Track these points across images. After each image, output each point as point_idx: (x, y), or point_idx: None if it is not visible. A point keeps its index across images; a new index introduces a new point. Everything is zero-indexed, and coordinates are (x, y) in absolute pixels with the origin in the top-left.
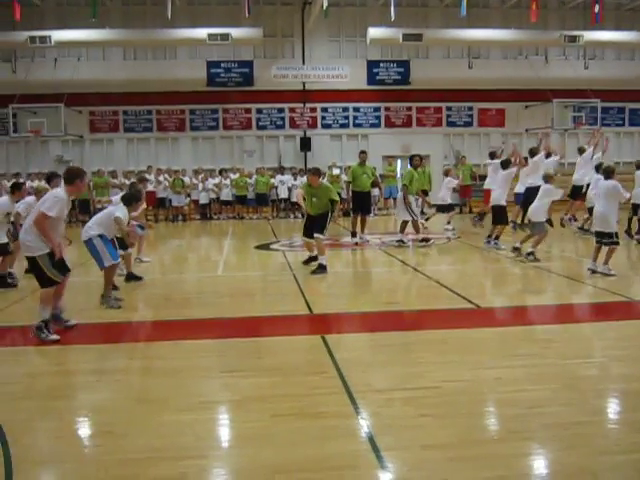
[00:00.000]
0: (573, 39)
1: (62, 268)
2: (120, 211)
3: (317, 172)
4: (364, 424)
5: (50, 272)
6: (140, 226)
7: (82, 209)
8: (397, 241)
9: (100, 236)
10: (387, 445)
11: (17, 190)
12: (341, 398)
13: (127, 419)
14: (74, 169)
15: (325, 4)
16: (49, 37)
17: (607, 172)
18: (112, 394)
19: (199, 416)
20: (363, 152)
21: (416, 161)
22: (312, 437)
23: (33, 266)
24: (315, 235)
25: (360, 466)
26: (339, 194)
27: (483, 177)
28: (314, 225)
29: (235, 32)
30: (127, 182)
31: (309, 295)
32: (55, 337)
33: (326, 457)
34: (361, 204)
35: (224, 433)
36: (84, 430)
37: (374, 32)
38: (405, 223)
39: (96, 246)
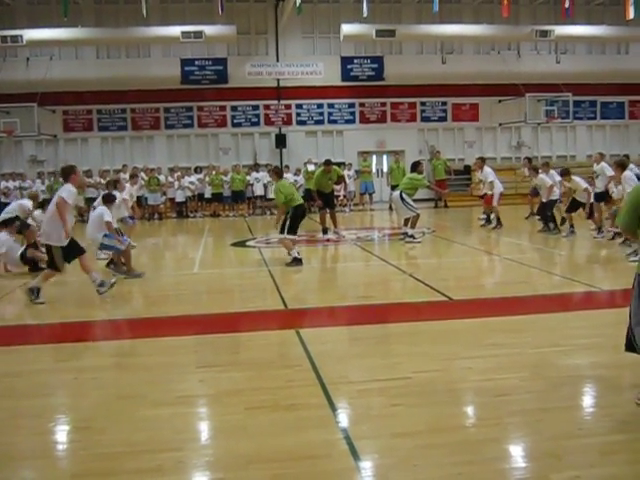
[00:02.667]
0: (544, 34)
1: (75, 249)
2: (106, 214)
3: (276, 170)
4: (337, 415)
5: (59, 262)
6: (131, 217)
7: None
8: (405, 235)
9: (105, 235)
10: (359, 434)
11: None
12: (315, 390)
13: (105, 415)
14: (66, 167)
15: (298, 1)
16: (20, 36)
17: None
18: (90, 391)
19: (176, 410)
20: (328, 163)
21: (420, 167)
22: (286, 428)
23: (48, 251)
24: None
25: (333, 455)
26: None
27: (458, 172)
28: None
29: (209, 30)
30: (102, 181)
31: (284, 291)
32: (42, 300)
33: (300, 447)
34: (325, 201)
35: (200, 426)
36: (62, 427)
37: (347, 28)
38: (408, 220)
39: (108, 244)
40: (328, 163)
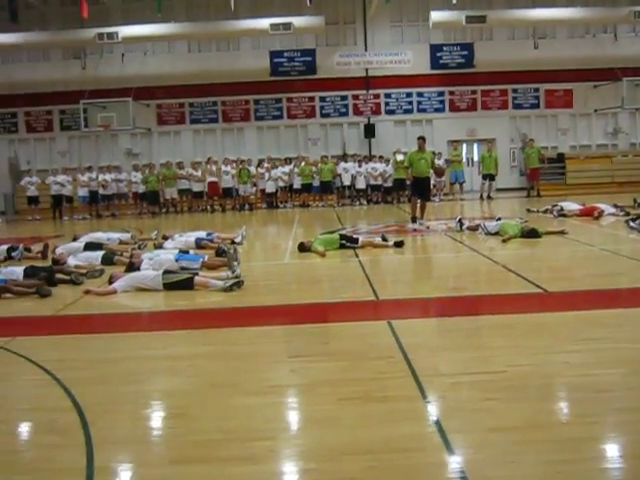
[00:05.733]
0: None
1: None
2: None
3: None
4: (430, 407)
5: None
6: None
7: (152, 200)
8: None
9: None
10: (453, 428)
11: None
12: (407, 382)
13: (199, 402)
14: None
15: None
16: (116, 33)
17: None
18: (184, 379)
19: (268, 400)
20: (420, 138)
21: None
22: (379, 420)
23: None
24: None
25: (427, 448)
26: (405, 180)
27: (551, 160)
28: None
29: (297, 21)
30: (194, 173)
31: (375, 281)
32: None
33: (393, 439)
34: (420, 190)
35: (292, 416)
36: (158, 413)
37: (436, 16)
38: None
39: (183, 262)
40: (421, 138)
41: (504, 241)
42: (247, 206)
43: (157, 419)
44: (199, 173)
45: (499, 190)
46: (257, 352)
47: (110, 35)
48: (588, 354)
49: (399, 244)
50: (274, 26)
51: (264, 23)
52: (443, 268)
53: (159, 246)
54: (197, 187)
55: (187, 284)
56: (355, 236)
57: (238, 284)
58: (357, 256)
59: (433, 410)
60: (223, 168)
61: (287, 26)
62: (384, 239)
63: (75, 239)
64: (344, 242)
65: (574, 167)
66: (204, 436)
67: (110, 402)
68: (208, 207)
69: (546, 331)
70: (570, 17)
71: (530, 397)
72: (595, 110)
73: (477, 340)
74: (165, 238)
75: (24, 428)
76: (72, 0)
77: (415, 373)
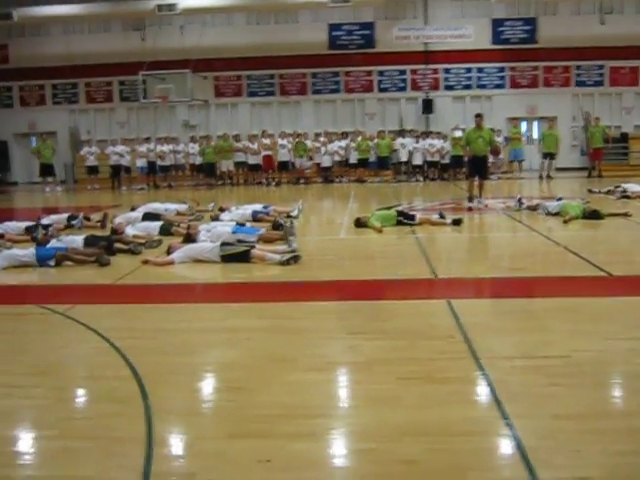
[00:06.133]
0: None
1: None
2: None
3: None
4: (493, 391)
5: None
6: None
7: (208, 172)
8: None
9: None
10: (516, 413)
11: None
12: (468, 363)
13: (257, 376)
14: None
15: None
16: (175, 5)
17: None
18: (242, 352)
19: (326, 376)
20: (478, 115)
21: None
22: (439, 401)
23: None
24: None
25: (489, 432)
26: (462, 157)
27: (615, 139)
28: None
29: None
30: (250, 146)
31: (432, 259)
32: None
33: (454, 422)
34: (477, 168)
35: (351, 394)
36: (216, 385)
37: None
38: None
39: (240, 235)
40: (478, 115)
41: (565, 222)
42: (303, 180)
43: (215, 392)
44: (255, 146)
45: (559, 170)
46: (315, 328)
47: (169, 6)
48: None
49: (457, 222)
50: None
51: None
52: (502, 248)
53: (216, 218)
54: (253, 160)
55: (244, 256)
56: (412, 213)
57: (295, 258)
58: (414, 233)
59: (496, 393)
60: (280, 141)
61: None
62: (442, 216)
63: (133, 209)
64: (401, 218)
65: (638, 147)
66: (262, 411)
67: (168, 372)
68: (264, 180)
69: (611, 316)
70: None
71: (596, 384)
72: None
73: (539, 323)
74: (222, 210)
75: (85, 396)
76: None
77: (476, 354)
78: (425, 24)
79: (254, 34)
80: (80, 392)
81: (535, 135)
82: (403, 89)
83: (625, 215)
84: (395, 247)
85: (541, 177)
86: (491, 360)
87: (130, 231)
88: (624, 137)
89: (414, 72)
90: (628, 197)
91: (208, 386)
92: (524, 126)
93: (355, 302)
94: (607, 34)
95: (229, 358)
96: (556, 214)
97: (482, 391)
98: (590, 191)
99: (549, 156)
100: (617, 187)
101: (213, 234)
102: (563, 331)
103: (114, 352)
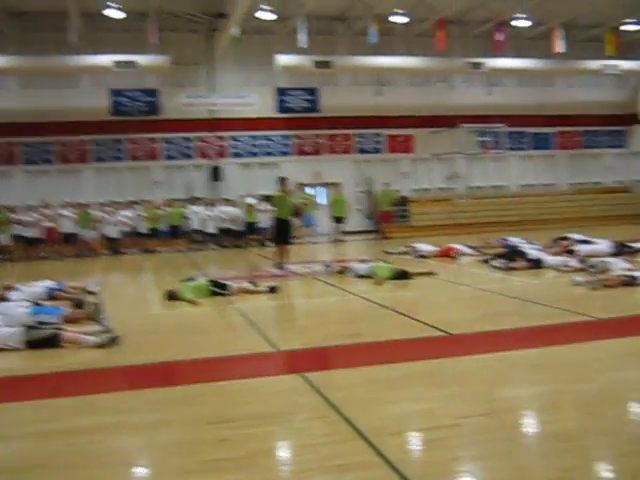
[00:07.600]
0: (476, 66)
1: None
2: None
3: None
4: (400, 475)
5: None
6: None
7: None
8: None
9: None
10: None
11: None
12: (359, 445)
13: None
14: None
15: (237, 32)
16: None
17: None
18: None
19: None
20: (284, 178)
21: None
22: None
23: None
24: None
25: None
26: (255, 224)
27: (397, 202)
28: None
29: (142, 59)
30: (28, 218)
31: (265, 330)
32: None
33: None
34: (284, 232)
35: None
36: None
37: (283, 59)
38: None
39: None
40: (284, 179)
41: (376, 283)
42: (89, 253)
43: None
44: (33, 217)
45: (346, 233)
46: (166, 420)
47: None
48: (535, 398)
49: (273, 289)
50: (118, 63)
51: (107, 60)
52: (330, 313)
53: (3, 298)
54: (31, 232)
55: (54, 340)
56: (223, 282)
57: (114, 339)
58: (232, 304)
59: (405, 478)
60: (61, 212)
61: (131, 64)
62: (254, 285)
63: None
64: (215, 289)
65: (417, 210)
66: None
67: None
68: (44, 254)
69: (471, 376)
70: (410, 66)
71: (504, 452)
72: (434, 155)
73: (408, 391)
74: (8, 289)
75: None
76: None
77: (363, 434)
78: (211, 91)
79: (29, 98)
80: None
81: (323, 201)
82: (190, 157)
83: (430, 274)
84: (219, 320)
85: (332, 241)
86: (382, 439)
87: None
88: (404, 200)
89: (201, 139)
90: (424, 256)
91: None
92: (312, 191)
93: (201, 385)
94: (383, 104)
95: None
96: (367, 276)
97: (389, 476)
98: (386, 252)
99: (338, 220)
100: (409, 247)
101: (9, 317)
102: (436, 397)
103: None
